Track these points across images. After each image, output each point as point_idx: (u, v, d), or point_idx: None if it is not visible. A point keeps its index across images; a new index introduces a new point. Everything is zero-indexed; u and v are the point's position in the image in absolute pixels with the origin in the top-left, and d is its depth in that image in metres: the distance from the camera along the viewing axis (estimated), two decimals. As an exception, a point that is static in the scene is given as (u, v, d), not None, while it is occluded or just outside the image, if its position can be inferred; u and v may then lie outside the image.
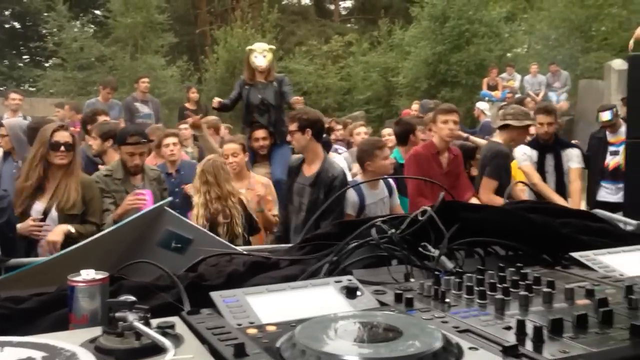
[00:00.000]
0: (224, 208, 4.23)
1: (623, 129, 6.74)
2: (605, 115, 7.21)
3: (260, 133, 5.89)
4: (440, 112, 5.03)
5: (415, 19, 18.43)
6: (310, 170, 4.47)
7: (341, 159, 6.00)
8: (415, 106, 11.13)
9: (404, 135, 5.83)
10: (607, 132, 7.33)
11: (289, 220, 4.56)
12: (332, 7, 28.29)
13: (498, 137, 5.35)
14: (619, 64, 11.83)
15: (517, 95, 13.22)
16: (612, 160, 7.44)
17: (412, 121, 6.26)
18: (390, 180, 4.77)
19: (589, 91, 13.60)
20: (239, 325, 1.11)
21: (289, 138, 4.98)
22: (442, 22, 16.93)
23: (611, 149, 7.47)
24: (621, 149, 7.36)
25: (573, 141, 7.54)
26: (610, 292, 1.25)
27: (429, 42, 17.18)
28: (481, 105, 11.32)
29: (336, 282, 1.33)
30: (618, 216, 2.31)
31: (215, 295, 1.22)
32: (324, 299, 1.26)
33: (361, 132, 7.03)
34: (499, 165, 5.07)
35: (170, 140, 5.50)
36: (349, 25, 27.60)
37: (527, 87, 14.17)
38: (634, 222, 2.23)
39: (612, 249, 1.62)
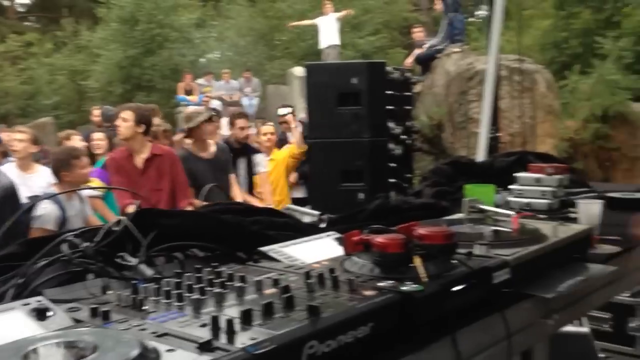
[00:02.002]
0: None
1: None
2: (282, 111, 7.65)
3: None
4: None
5: (103, 20, 17.74)
6: None
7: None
8: (96, 112, 9.60)
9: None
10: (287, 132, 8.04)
11: None
12: (7, 3, 25.55)
13: None
14: (299, 71, 13.05)
15: (215, 101, 13.67)
16: None
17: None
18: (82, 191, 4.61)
19: (276, 96, 14.75)
20: None
21: None
22: (133, 25, 16.61)
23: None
24: None
25: None
26: (293, 279, 1.40)
27: (121, 45, 16.70)
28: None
29: (24, 305, 1.24)
30: (306, 209, 2.57)
31: None
32: (11, 325, 1.17)
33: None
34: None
35: None
36: (27, 23, 25.25)
37: (221, 92, 14.74)
38: (316, 213, 2.50)
39: (294, 241, 1.81)
